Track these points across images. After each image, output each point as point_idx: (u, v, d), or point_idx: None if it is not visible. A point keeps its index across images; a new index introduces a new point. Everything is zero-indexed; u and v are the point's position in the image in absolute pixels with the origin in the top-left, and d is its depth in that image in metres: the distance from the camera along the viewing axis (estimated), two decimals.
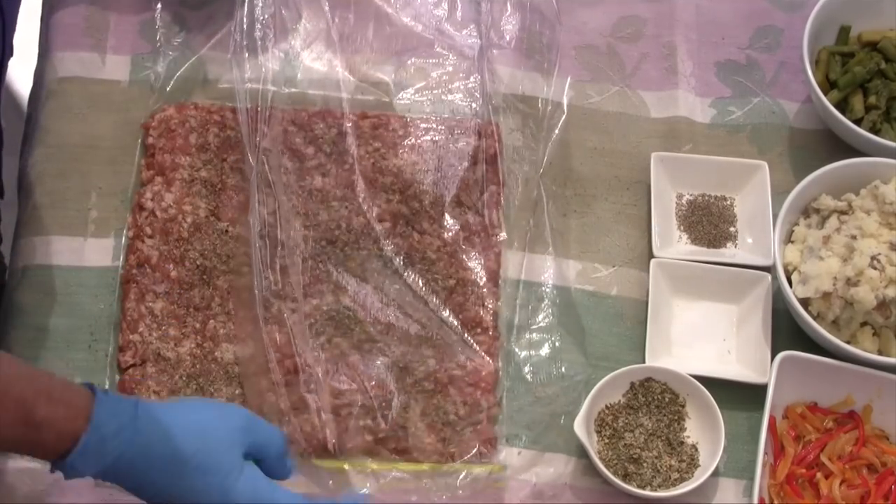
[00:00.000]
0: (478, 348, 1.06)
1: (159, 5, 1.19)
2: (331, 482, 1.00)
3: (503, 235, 1.11)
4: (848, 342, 1.03)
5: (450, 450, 1.02)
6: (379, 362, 1.04)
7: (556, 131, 1.17)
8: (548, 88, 1.19)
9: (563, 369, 1.06)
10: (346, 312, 1.06)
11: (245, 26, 1.19)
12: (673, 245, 1.12)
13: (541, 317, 1.08)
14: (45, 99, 1.16)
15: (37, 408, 0.84)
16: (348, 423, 1.02)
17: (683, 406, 1.04)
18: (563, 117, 1.18)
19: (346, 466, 1.01)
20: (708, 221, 1.13)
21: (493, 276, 1.09)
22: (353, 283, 1.07)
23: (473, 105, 1.17)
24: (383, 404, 1.03)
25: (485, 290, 1.08)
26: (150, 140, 1.12)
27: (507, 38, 1.20)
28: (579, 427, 1.00)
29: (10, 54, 1.09)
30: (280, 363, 1.04)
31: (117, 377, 1.03)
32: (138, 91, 1.16)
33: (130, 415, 0.86)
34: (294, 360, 1.04)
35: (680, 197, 1.14)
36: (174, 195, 1.09)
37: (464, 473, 1.01)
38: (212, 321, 1.05)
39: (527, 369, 1.06)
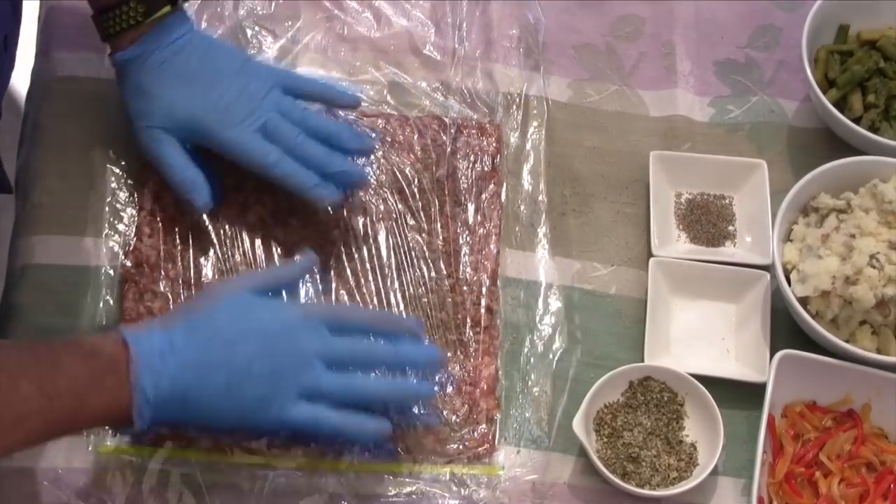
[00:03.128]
0: (477, 348, 1.06)
1: None
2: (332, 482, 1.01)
3: (502, 235, 1.11)
4: (847, 341, 1.03)
5: (448, 450, 1.01)
6: None
7: (555, 130, 1.17)
8: (546, 87, 1.19)
9: (562, 368, 1.06)
10: None
11: (243, 26, 1.19)
12: (672, 244, 1.12)
13: (539, 316, 1.08)
14: (43, 98, 1.15)
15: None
16: None
17: (682, 405, 1.04)
18: (562, 116, 1.18)
19: (345, 467, 1.00)
20: (707, 220, 1.13)
21: (493, 276, 1.09)
22: (353, 282, 1.07)
23: (474, 105, 1.17)
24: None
25: (484, 289, 1.08)
26: None
27: (506, 37, 1.20)
28: (578, 426, 1.00)
29: None
30: None
31: None
32: None
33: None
34: None
35: (679, 196, 1.14)
36: (173, 195, 1.09)
37: (462, 474, 1.01)
38: None
39: (525, 368, 1.06)
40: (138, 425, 0.90)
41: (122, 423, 0.91)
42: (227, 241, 1.08)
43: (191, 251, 1.07)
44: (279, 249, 1.08)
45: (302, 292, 1.06)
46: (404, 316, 1.05)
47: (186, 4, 1.08)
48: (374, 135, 1.12)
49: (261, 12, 1.20)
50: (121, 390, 0.89)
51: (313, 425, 0.94)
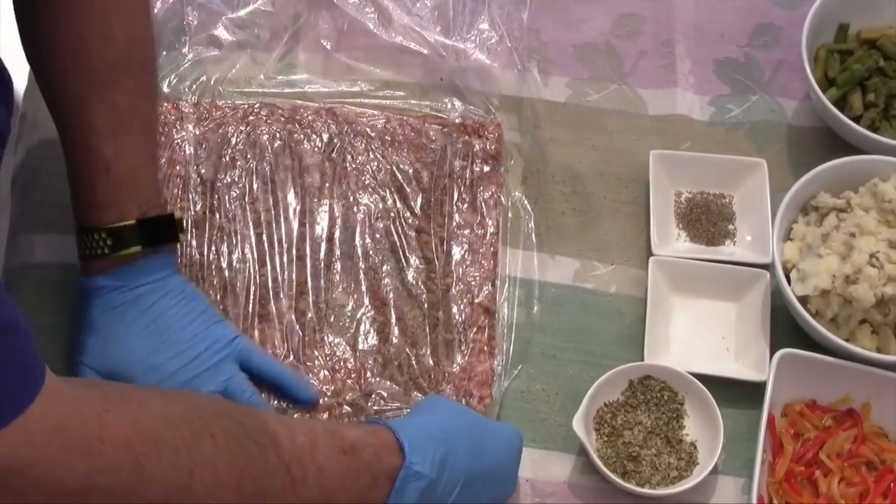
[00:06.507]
0: (474, 347, 1.05)
1: (158, 3, 1.19)
2: None
3: (501, 234, 1.11)
4: (846, 340, 1.03)
5: None
6: (375, 361, 1.04)
7: (555, 129, 1.17)
8: (546, 86, 1.19)
9: (561, 367, 1.06)
10: (342, 311, 1.06)
11: (243, 25, 1.19)
12: (671, 243, 1.12)
13: (538, 315, 1.08)
14: (41, 96, 1.15)
15: (345, 432, 0.87)
16: (343, 421, 1.02)
17: (682, 404, 1.04)
18: (562, 116, 1.18)
19: None
20: (707, 219, 1.13)
21: (491, 275, 1.09)
22: (350, 280, 1.07)
23: (473, 104, 1.17)
24: (380, 402, 1.03)
25: (482, 288, 1.08)
26: None
27: (506, 37, 1.20)
28: (578, 425, 0.99)
29: None
30: None
31: None
32: None
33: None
34: (290, 359, 1.04)
35: (678, 195, 1.14)
36: (171, 192, 1.09)
37: None
38: None
39: (525, 368, 1.06)
40: None
41: None
42: (226, 238, 1.08)
43: (189, 248, 1.07)
44: (278, 247, 1.08)
45: (296, 290, 1.06)
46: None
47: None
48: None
49: (263, 8, 1.20)
50: (373, 493, 0.86)
51: None
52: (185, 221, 1.08)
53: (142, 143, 0.98)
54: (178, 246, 1.02)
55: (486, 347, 1.05)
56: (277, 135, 1.13)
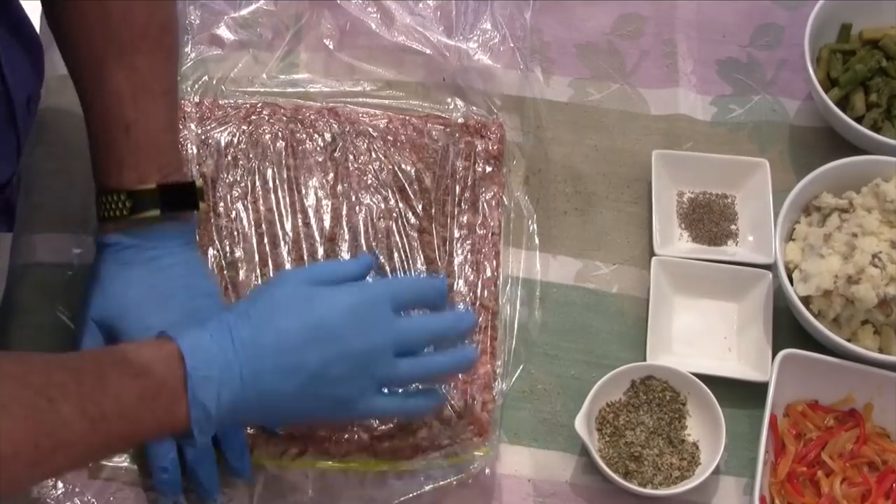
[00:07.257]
0: (477, 348, 1.05)
1: None
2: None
3: (503, 234, 1.11)
4: (849, 340, 1.03)
5: (442, 442, 1.01)
6: None
7: (557, 130, 1.17)
8: (548, 86, 1.19)
9: (563, 367, 1.06)
10: None
11: (245, 24, 1.19)
12: (674, 243, 1.12)
13: (540, 315, 1.08)
14: (44, 96, 1.15)
15: (129, 353, 0.85)
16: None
17: (684, 404, 1.04)
18: (564, 115, 1.18)
19: (335, 464, 1.00)
20: (709, 219, 1.13)
21: (493, 275, 1.09)
22: None
23: (476, 104, 1.17)
24: None
25: (484, 288, 1.08)
26: None
27: (509, 37, 1.20)
28: (580, 425, 0.99)
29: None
30: None
31: None
32: None
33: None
34: None
35: (681, 195, 1.14)
36: None
37: (450, 463, 1.00)
38: None
39: (527, 367, 1.06)
40: (200, 441, 0.86)
41: (182, 436, 0.87)
42: (228, 236, 1.08)
43: None
44: (280, 245, 1.08)
45: None
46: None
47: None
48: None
49: (265, 7, 1.20)
50: (177, 407, 0.84)
51: (394, 414, 0.93)
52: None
53: (162, 106, 0.99)
54: (196, 215, 1.02)
55: (488, 348, 1.05)
56: (279, 134, 1.13)
